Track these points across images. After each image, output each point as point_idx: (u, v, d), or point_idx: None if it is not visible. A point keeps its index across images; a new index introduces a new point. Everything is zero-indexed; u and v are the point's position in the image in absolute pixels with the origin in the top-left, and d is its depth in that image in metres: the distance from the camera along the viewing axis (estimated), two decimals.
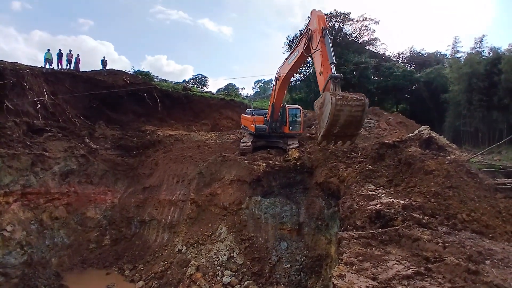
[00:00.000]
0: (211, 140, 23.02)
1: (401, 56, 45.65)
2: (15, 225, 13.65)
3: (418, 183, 9.32)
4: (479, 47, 30.37)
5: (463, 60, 31.11)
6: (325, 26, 11.44)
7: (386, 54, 42.32)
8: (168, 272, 13.76)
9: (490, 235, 6.89)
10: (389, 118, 25.46)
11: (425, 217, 7.27)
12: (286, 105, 19.45)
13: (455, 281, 4.58)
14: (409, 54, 45.48)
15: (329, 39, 10.93)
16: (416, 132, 14.00)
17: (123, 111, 23.46)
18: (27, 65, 19.27)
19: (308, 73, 38.62)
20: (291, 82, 40.13)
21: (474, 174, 9.31)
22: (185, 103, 27.66)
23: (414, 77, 36.86)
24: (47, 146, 16.13)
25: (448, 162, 9.48)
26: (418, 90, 37.19)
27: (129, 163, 19.16)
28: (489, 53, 29.93)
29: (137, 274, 14.28)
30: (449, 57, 36.57)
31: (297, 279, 13.85)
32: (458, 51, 33.48)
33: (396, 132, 21.08)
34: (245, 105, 31.35)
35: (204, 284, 13.03)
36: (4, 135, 14.97)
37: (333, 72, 9.71)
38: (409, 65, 43.23)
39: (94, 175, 17.50)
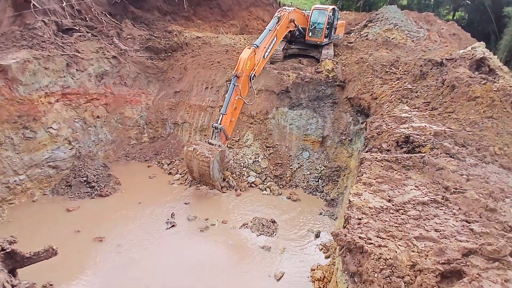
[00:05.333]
0: (240, 44, 21.87)
1: None
2: (60, 123, 14.61)
3: (457, 109, 8.82)
4: None
5: None
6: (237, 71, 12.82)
7: None
8: None
9: None
10: (442, 28, 22.18)
11: (455, 147, 7.17)
12: (313, 6, 17.21)
13: (469, 215, 4.68)
14: None
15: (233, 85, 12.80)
16: (469, 48, 12.37)
17: (148, 8, 22.09)
18: None
19: None
20: None
21: None
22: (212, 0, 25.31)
23: None
24: (79, 47, 16.13)
25: (495, 89, 8.65)
26: None
27: (159, 67, 19.16)
28: None
29: (174, 168, 16.03)
30: None
31: (314, 185, 15.11)
32: None
33: (447, 46, 18.75)
34: (278, 4, 28.11)
35: (232, 181, 14.69)
36: (36, 36, 14.83)
37: (217, 122, 12.53)
38: None
39: (127, 77, 17.90)
